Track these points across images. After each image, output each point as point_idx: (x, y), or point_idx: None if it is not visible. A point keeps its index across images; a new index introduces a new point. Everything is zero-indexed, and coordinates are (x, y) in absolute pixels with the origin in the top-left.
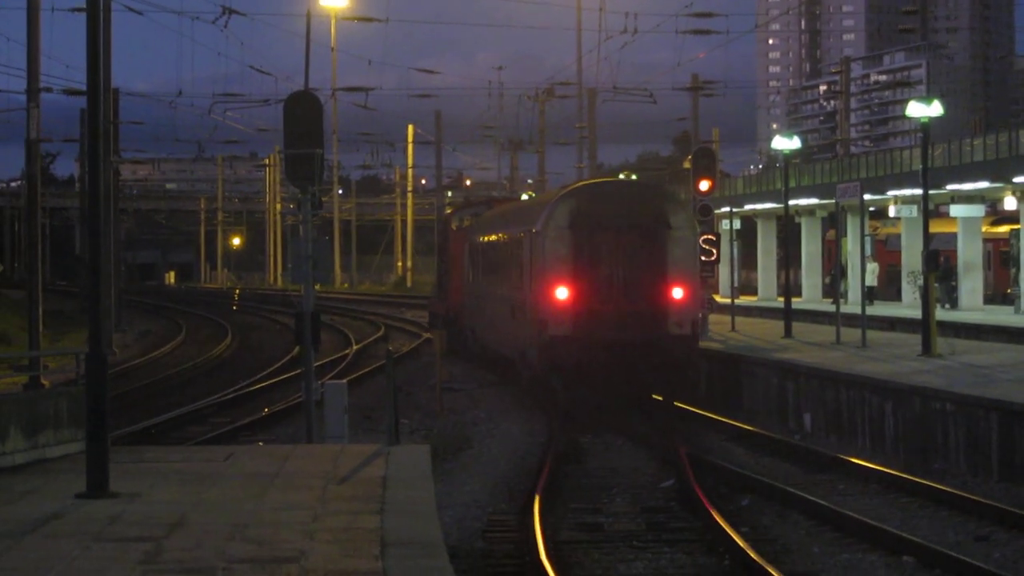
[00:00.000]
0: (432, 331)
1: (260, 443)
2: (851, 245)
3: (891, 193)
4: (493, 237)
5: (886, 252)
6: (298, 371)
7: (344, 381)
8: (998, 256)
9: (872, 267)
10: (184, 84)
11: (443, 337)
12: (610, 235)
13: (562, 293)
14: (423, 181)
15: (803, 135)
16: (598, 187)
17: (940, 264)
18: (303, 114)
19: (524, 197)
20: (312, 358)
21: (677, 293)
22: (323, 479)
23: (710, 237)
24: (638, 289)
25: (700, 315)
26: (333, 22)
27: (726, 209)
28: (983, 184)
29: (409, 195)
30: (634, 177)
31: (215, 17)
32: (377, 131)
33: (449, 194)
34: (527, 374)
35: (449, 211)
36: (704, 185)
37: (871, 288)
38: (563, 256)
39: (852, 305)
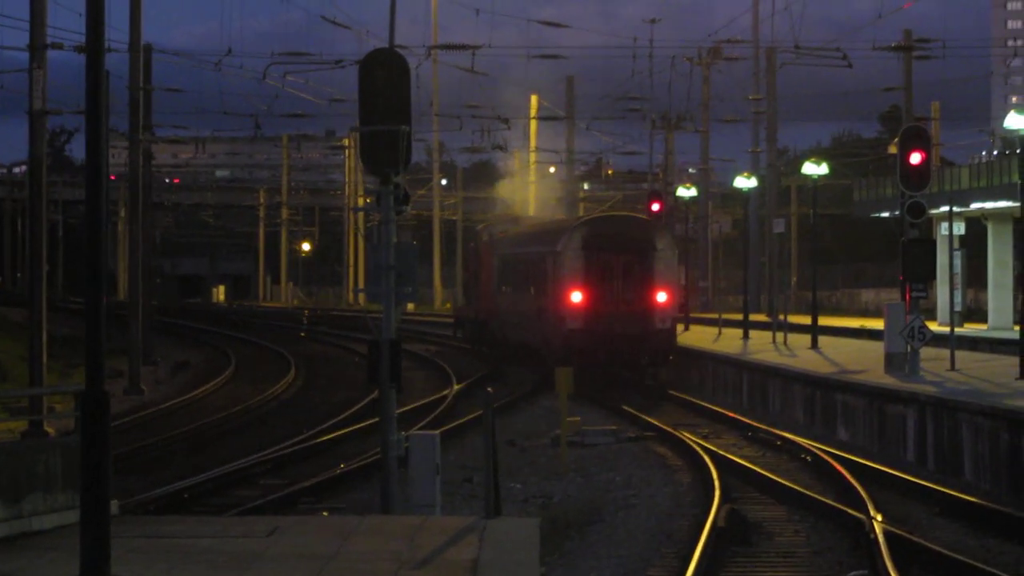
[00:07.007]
0: (559, 369)
1: (325, 513)
2: None
3: None
4: (518, 252)
5: None
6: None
7: (436, 432)
8: None
9: None
10: (234, 40)
11: (569, 375)
12: (612, 255)
13: (576, 297)
14: (552, 169)
15: None
16: (603, 219)
17: None
18: (384, 79)
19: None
20: (392, 401)
21: (661, 298)
22: (394, 563)
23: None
24: (632, 295)
25: (676, 315)
26: None
27: (945, 209)
28: None
29: (531, 186)
30: (825, 166)
31: None
32: (488, 103)
33: (585, 186)
34: (551, 359)
35: (481, 226)
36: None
37: None
38: (577, 270)
39: None
